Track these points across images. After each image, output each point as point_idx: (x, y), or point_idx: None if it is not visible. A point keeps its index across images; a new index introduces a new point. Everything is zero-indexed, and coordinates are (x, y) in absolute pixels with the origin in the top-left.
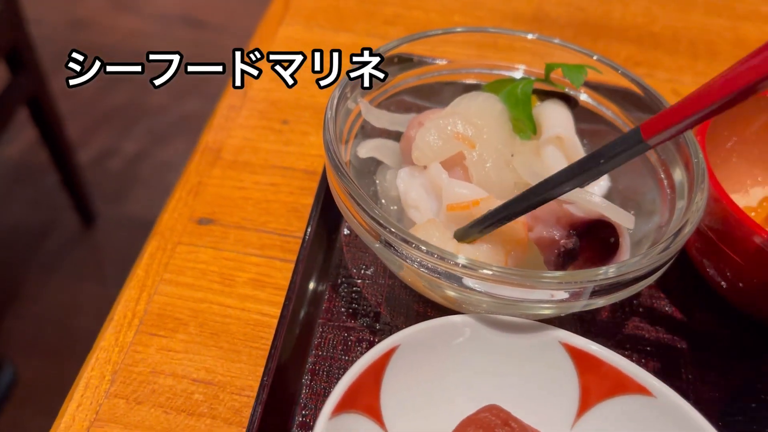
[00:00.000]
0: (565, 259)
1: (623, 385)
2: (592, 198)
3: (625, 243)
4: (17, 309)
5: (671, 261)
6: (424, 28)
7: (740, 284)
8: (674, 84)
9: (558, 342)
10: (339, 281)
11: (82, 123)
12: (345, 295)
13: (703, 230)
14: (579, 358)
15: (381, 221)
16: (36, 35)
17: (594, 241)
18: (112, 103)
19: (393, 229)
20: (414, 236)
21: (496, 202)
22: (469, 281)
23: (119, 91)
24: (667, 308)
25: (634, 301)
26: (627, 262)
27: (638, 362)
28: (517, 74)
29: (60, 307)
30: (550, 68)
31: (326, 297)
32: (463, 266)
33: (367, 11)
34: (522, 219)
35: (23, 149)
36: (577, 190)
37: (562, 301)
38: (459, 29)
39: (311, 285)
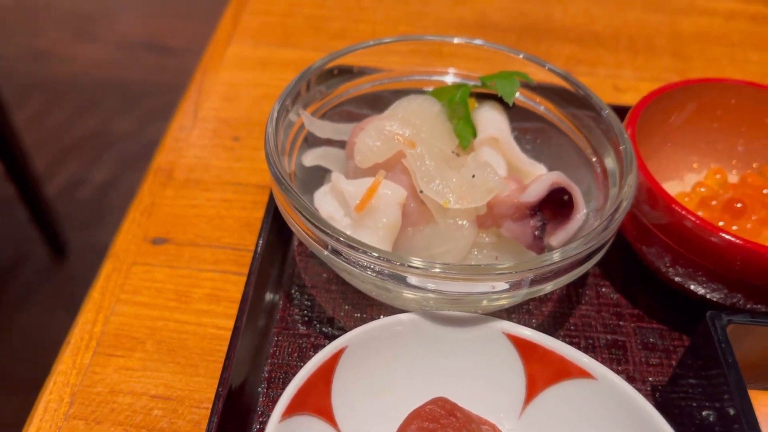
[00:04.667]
0: (541, 238)
1: (566, 371)
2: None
3: (578, 196)
4: None
5: (608, 243)
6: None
7: (678, 267)
8: (615, 79)
9: (502, 333)
10: (292, 290)
11: (49, 154)
12: (299, 304)
13: (638, 216)
14: (523, 347)
15: (325, 229)
16: None
17: (552, 204)
18: (78, 133)
19: (341, 238)
20: (358, 241)
21: (390, 184)
22: (413, 279)
23: (85, 121)
24: (612, 295)
25: (580, 290)
26: (567, 247)
27: (586, 348)
28: (457, 79)
29: (33, 341)
30: (484, 81)
31: (280, 306)
32: (409, 266)
33: (314, 26)
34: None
35: None
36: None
37: (505, 290)
38: (387, 39)
39: (265, 296)
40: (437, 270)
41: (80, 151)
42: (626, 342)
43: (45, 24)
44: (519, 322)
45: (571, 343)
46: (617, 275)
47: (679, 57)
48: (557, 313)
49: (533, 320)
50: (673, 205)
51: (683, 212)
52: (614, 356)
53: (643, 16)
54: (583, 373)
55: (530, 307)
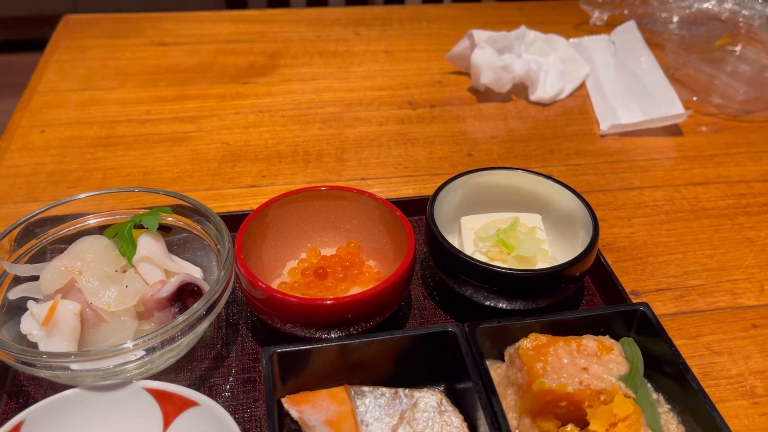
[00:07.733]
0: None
1: (184, 403)
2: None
3: (202, 284)
4: None
5: (221, 303)
6: (100, 185)
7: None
8: (289, 186)
9: (142, 388)
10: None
11: None
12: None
13: (245, 289)
14: (157, 394)
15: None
16: None
17: (188, 293)
18: None
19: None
20: (27, 350)
21: (67, 302)
22: (64, 365)
23: None
24: (236, 349)
25: (204, 350)
26: (173, 323)
27: (212, 388)
28: (129, 215)
29: None
30: (135, 219)
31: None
32: (48, 356)
33: (54, 180)
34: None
35: None
36: (176, 267)
37: (144, 356)
38: (81, 195)
39: None
40: (73, 357)
41: None
42: (223, 379)
43: None
44: (159, 379)
45: (187, 387)
46: (247, 338)
47: (340, 159)
48: (195, 367)
49: (167, 376)
50: (254, 282)
51: (264, 288)
52: (214, 389)
53: (318, 132)
54: (193, 403)
55: (172, 367)
